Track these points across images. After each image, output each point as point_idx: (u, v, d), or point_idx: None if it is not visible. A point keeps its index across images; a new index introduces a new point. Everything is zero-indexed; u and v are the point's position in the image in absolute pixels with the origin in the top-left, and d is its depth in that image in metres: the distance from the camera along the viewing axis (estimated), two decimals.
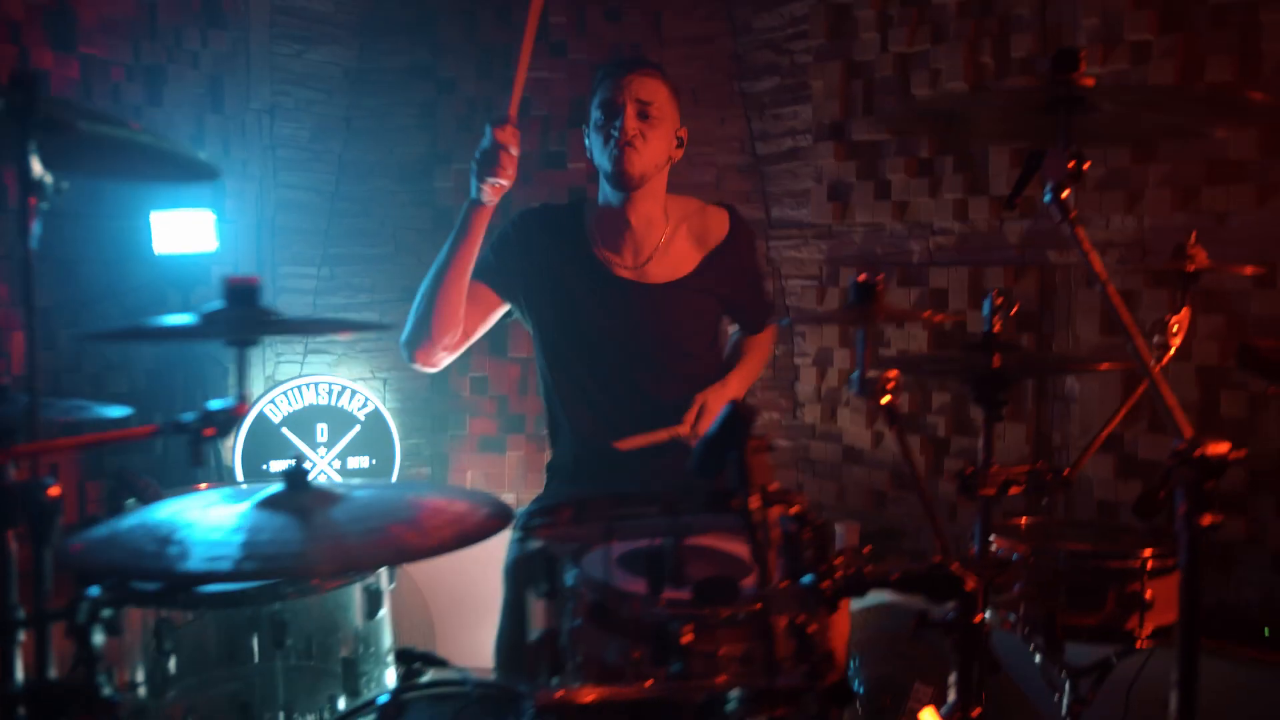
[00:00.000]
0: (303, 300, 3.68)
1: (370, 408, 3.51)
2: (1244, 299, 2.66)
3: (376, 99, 3.76)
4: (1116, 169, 2.87)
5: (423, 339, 2.37)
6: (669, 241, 2.53)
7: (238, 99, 3.50)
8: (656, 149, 2.41)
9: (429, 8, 3.75)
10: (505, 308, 2.53)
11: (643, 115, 2.38)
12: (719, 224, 2.58)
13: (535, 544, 1.59)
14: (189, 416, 1.47)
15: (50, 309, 3.14)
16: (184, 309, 3.24)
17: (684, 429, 2.34)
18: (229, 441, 3.39)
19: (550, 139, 3.73)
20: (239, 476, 3.32)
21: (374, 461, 3.52)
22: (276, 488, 1.71)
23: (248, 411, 1.53)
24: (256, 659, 2.10)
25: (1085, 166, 1.62)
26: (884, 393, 1.67)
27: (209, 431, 1.47)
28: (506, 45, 3.73)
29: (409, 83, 3.76)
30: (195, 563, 1.47)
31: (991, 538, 2.10)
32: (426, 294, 2.36)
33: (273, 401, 3.39)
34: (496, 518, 1.63)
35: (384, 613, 2.24)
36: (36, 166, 1.65)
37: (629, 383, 2.46)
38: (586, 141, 2.48)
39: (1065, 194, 1.63)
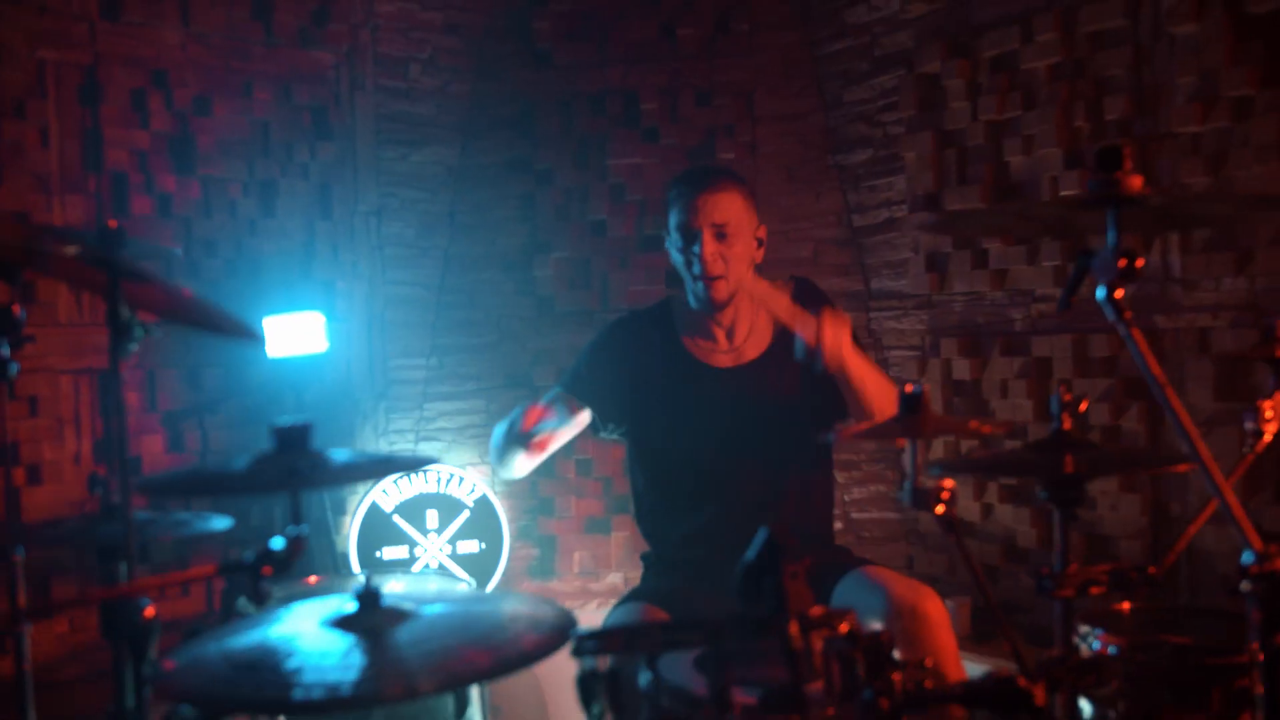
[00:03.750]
0: (413, 390, 3.82)
1: (479, 493, 3.60)
2: None
3: (478, 194, 3.90)
4: (1225, 228, 2.75)
5: (505, 471, 2.55)
6: (752, 326, 2.56)
7: (346, 203, 3.68)
8: (739, 265, 2.45)
9: (525, 104, 3.87)
10: (587, 416, 2.58)
11: (720, 236, 2.42)
12: (786, 293, 2.59)
13: (590, 664, 1.61)
14: (249, 556, 1.55)
15: (178, 413, 3.35)
16: (297, 408, 3.42)
17: (801, 328, 2.27)
18: (344, 529, 3.53)
19: (646, 223, 3.80)
20: (354, 566, 3.45)
21: (484, 546, 3.60)
22: (350, 608, 1.79)
23: (303, 549, 1.61)
24: None
25: (1138, 264, 1.58)
26: (938, 503, 1.64)
27: (267, 570, 1.55)
28: (600, 136, 3.83)
29: (508, 176, 3.89)
30: (266, 690, 1.55)
31: (1087, 629, 2.03)
32: (500, 448, 2.49)
33: (383, 490, 3.52)
34: (555, 637, 1.66)
35: (472, 711, 2.30)
36: (124, 311, 1.79)
37: (727, 470, 2.48)
38: (667, 247, 2.53)
39: (1119, 294, 1.59)
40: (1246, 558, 1.39)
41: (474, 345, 3.89)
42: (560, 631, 1.69)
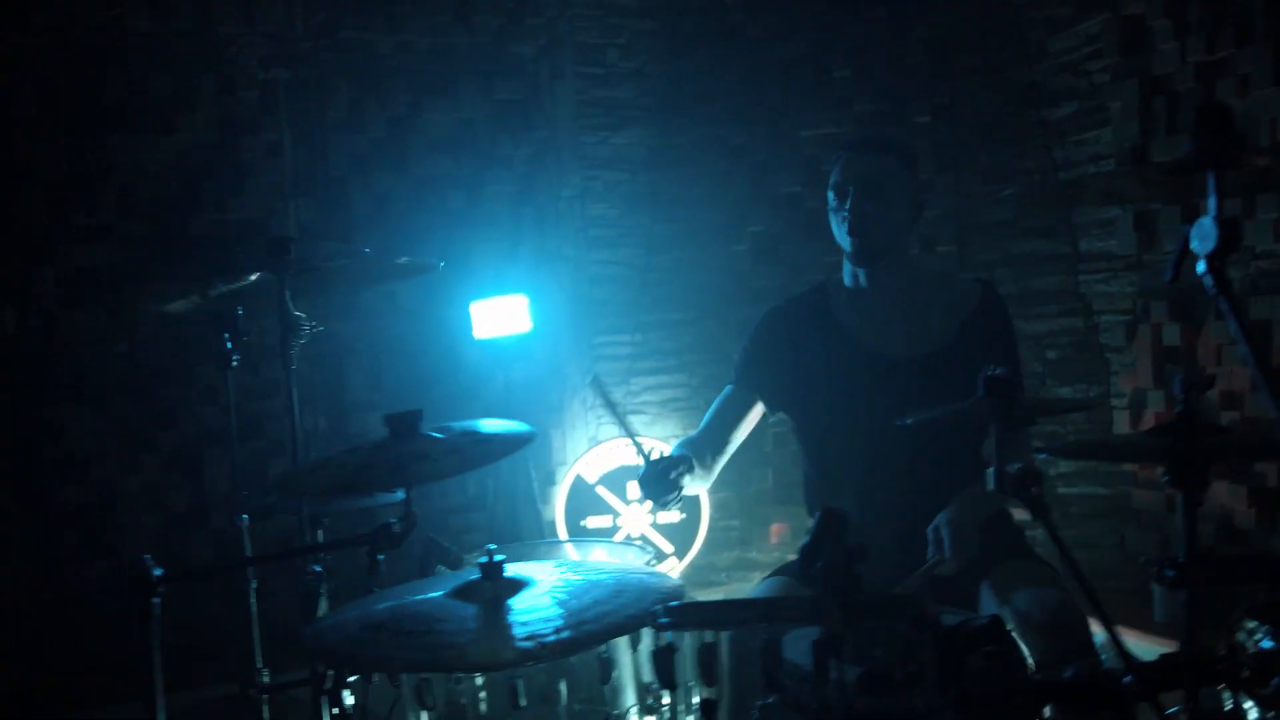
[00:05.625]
0: (619, 365, 3.97)
1: None
2: None
3: (678, 172, 3.97)
4: None
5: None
6: (918, 312, 2.49)
7: (549, 189, 3.86)
8: (888, 223, 2.41)
9: (719, 80, 3.91)
10: (762, 409, 2.64)
11: (871, 193, 2.38)
12: (970, 294, 2.50)
13: (665, 638, 1.68)
14: (364, 532, 1.73)
15: (401, 390, 3.67)
16: (505, 386, 3.66)
17: (940, 564, 2.26)
18: (555, 501, 3.74)
19: None
20: (561, 533, 3.65)
21: (685, 516, 3.71)
22: (473, 576, 1.95)
23: (413, 528, 1.78)
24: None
25: (1240, 232, 1.45)
26: (1027, 488, 1.56)
27: (384, 546, 1.72)
28: (793, 107, 3.81)
29: (704, 153, 3.94)
30: (385, 650, 1.74)
31: (1251, 624, 1.88)
32: None
33: (588, 462, 3.70)
34: (646, 615, 1.75)
35: (618, 674, 2.41)
36: (291, 309, 2.02)
37: (886, 457, 2.45)
38: (828, 214, 2.52)
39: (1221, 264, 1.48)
40: None
41: (675, 321, 3.99)
42: (651, 614, 1.77)
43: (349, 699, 1.96)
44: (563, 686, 2.24)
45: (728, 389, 2.67)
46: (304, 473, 1.91)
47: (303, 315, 2.13)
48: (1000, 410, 1.59)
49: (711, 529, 3.74)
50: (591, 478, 3.70)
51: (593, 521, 3.68)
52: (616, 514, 3.70)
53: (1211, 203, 1.49)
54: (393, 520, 1.78)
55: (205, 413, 3.38)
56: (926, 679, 1.59)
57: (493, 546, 1.95)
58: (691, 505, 3.71)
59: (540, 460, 3.80)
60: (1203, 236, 1.48)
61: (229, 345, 2.67)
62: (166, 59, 3.36)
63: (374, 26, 3.59)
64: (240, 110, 3.44)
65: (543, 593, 1.87)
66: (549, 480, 3.81)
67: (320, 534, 2.49)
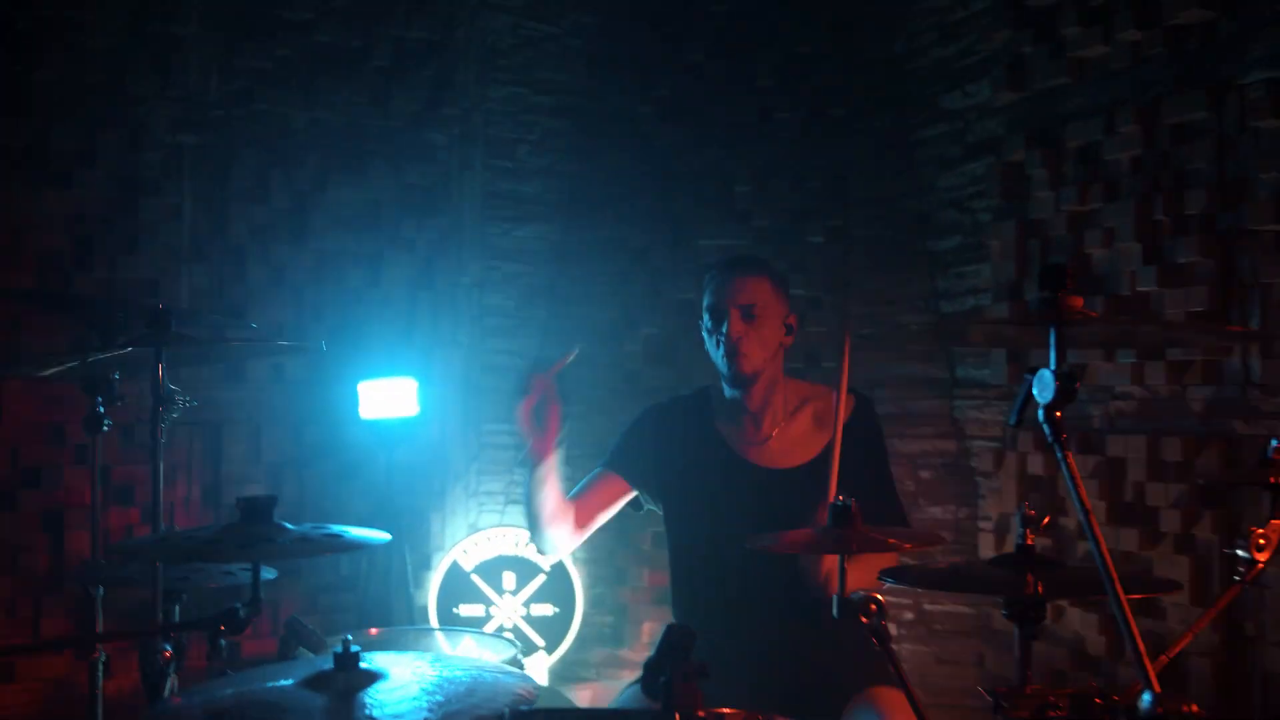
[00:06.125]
0: (504, 455, 3.98)
1: (555, 559, 3.71)
2: None
3: (578, 269, 4.05)
4: None
5: (535, 538, 2.68)
6: (790, 424, 2.57)
7: (449, 275, 3.90)
8: (764, 345, 2.51)
9: (626, 184, 4.02)
10: (630, 495, 2.68)
11: (746, 317, 2.49)
12: (844, 407, 2.58)
13: None
14: (207, 618, 1.71)
15: (281, 463, 3.61)
16: (387, 468, 3.63)
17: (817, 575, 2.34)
18: (429, 586, 3.70)
19: None
20: (433, 621, 3.61)
21: (558, 610, 3.71)
22: (326, 666, 1.92)
23: (258, 615, 1.76)
24: None
25: (1077, 385, 1.55)
26: (865, 615, 1.63)
27: (222, 629, 1.70)
28: (695, 216, 3.93)
29: (605, 253, 4.03)
30: None
31: None
32: (524, 506, 2.70)
33: (464, 550, 3.68)
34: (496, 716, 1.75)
35: None
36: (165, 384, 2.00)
37: (751, 563, 2.50)
38: (702, 334, 2.61)
39: (1059, 414, 1.57)
40: (1145, 700, 1.35)
41: (563, 415, 4.01)
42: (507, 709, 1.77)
43: None
44: None
45: (597, 469, 2.71)
46: (151, 542, 1.87)
47: (177, 390, 2.11)
48: (843, 541, 1.66)
49: (584, 624, 3.74)
50: (468, 565, 3.68)
51: (466, 610, 3.65)
52: (490, 604, 3.67)
53: (1052, 356, 1.59)
54: (238, 605, 1.76)
55: (73, 474, 3.28)
56: None
57: (349, 636, 1.93)
58: (566, 599, 3.71)
59: (417, 544, 3.77)
60: (1043, 387, 1.57)
61: (101, 410, 2.63)
62: (72, 111, 3.33)
63: (289, 100, 3.61)
64: (142, 171, 3.40)
65: (395, 687, 1.86)
66: (425, 565, 3.77)
67: (178, 610, 2.44)
